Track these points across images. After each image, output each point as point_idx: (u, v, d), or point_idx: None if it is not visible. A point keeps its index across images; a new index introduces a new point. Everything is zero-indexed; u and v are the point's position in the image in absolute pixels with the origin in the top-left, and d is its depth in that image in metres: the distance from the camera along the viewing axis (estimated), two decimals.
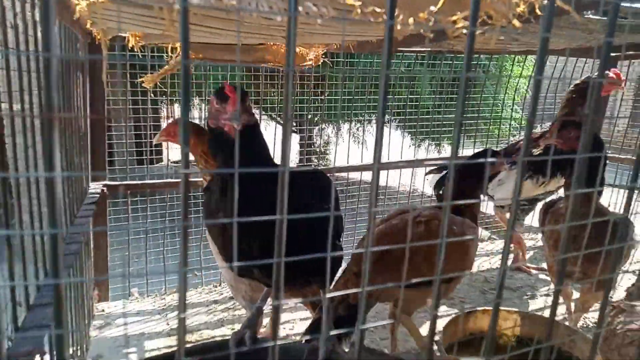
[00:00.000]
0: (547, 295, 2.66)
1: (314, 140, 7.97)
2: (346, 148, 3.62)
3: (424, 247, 1.51)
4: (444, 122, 5.00)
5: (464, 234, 1.72)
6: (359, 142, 8.06)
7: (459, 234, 1.70)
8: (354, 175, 4.99)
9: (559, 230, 1.99)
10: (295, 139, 8.41)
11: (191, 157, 2.07)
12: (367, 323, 2.12)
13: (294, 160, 8.49)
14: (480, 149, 2.28)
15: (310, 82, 3.77)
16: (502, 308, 2.11)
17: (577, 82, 2.64)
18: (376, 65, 5.17)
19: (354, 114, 5.54)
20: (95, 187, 2.26)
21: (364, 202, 3.64)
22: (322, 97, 6.29)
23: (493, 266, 3.09)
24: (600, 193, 1.95)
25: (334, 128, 8.30)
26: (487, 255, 3.23)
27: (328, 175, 1.47)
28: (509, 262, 3.12)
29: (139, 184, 2.64)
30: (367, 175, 4.09)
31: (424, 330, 2.31)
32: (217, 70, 4.13)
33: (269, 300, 1.08)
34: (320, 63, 2.59)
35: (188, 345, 1.58)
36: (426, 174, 3.19)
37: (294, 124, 7.69)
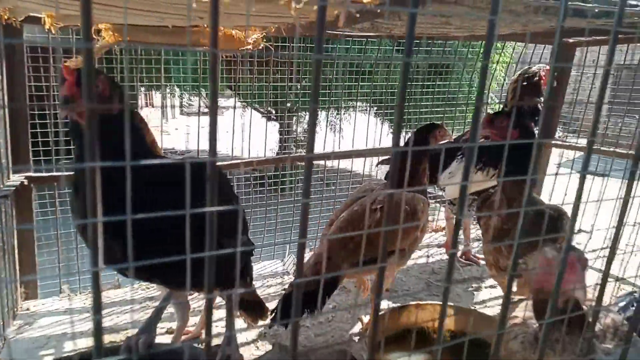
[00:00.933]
0: (492, 287, 2.62)
1: (293, 128, 7.86)
2: (324, 136, 3.56)
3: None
4: (421, 110, 4.96)
5: (415, 207, 1.98)
6: (334, 130, 7.97)
7: (411, 209, 1.96)
8: (332, 164, 4.94)
9: (493, 225, 1.92)
10: (274, 127, 8.29)
11: None
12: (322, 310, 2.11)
13: (273, 148, 8.40)
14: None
15: (285, 68, 3.68)
16: (436, 302, 2.05)
17: (521, 71, 2.59)
18: (356, 52, 5.07)
19: (331, 102, 5.45)
20: (15, 180, 2.14)
21: (343, 190, 3.60)
22: (300, 85, 6.18)
23: (443, 257, 3.04)
24: (534, 184, 1.88)
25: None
26: (438, 247, 3.17)
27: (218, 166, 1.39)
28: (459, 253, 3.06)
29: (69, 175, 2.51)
30: (343, 164, 4.05)
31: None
32: (195, 55, 4.01)
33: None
34: (261, 47, 2.47)
35: (80, 351, 1.50)
36: (377, 164, 3.12)
37: (273, 112, 7.58)
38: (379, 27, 2.23)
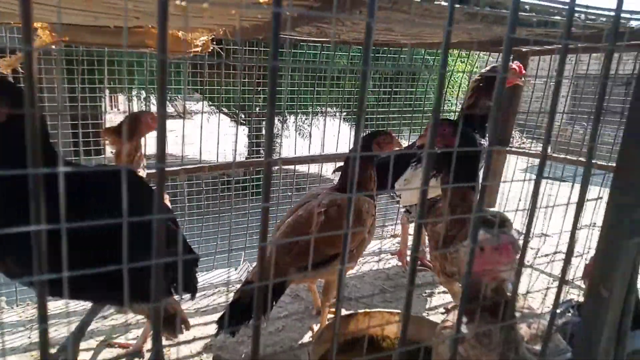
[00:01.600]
0: (445, 292, 2.61)
1: (262, 132, 7.78)
2: (294, 141, 3.53)
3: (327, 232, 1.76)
4: (389, 115, 4.99)
5: (360, 208, 1.98)
6: (303, 135, 7.94)
7: (356, 211, 1.92)
8: (302, 169, 4.91)
9: (438, 232, 1.91)
10: (243, 131, 8.18)
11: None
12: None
13: (242, 153, 8.30)
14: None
15: (253, 72, 3.63)
16: (385, 310, 2.03)
17: (483, 70, 2.59)
18: (325, 57, 5.06)
19: (300, 107, 5.41)
20: None
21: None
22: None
23: (399, 263, 3.02)
24: (479, 190, 1.89)
25: (279, 121, 8.13)
26: (392, 254, 3.16)
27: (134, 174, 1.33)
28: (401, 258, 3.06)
29: None
30: (313, 168, 4.01)
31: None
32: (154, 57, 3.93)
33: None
34: (210, 50, 2.41)
35: None
36: (334, 171, 3.09)
37: (242, 116, 7.48)
38: (327, 33, 2.20)
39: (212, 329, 2.24)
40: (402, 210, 2.98)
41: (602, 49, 2.54)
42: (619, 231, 0.78)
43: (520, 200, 3.20)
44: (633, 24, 2.01)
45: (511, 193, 3.37)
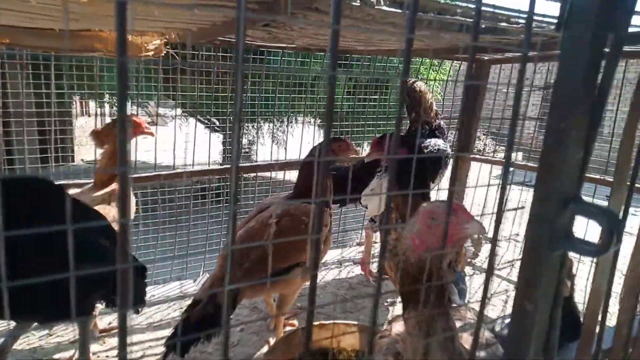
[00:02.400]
0: None
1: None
2: (269, 148, 3.48)
3: (278, 245, 1.72)
4: (360, 123, 4.99)
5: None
6: (277, 142, 7.86)
7: (309, 220, 1.87)
8: (277, 175, 4.85)
9: (390, 242, 1.87)
10: (218, 138, 8.07)
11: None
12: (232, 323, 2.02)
13: (217, 160, 8.17)
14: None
15: (227, 78, 3.58)
16: (341, 322, 1.98)
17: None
18: (299, 64, 5.05)
19: (274, 113, 5.35)
20: None
21: None
22: (245, 95, 6.03)
23: (362, 273, 2.98)
24: (424, 198, 1.87)
25: (253, 127, 8.07)
26: (354, 263, 3.11)
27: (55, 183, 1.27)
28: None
29: None
30: (289, 175, 3.94)
31: None
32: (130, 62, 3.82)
33: None
34: (163, 54, 2.34)
35: None
36: None
37: (215, 123, 7.38)
38: (280, 38, 2.16)
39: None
40: (367, 220, 2.94)
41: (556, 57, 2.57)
42: (541, 243, 0.75)
43: (484, 206, 3.20)
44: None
45: (480, 199, 3.39)
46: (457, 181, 3.35)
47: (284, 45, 2.55)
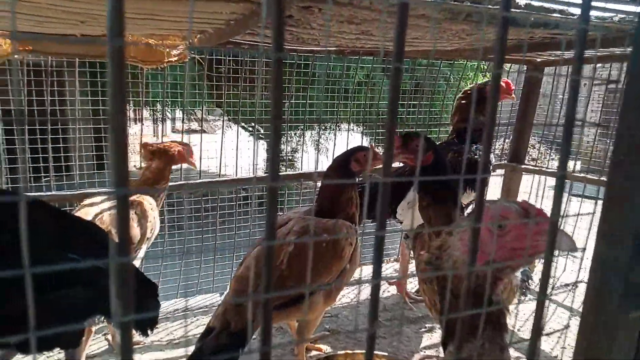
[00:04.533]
0: None
1: (282, 147, 7.65)
2: (314, 155, 3.40)
3: (296, 266, 1.60)
4: (406, 129, 4.80)
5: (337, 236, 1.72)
6: (319, 150, 7.72)
7: (331, 238, 1.68)
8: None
9: (423, 261, 1.65)
10: (262, 145, 8.09)
11: None
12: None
13: (261, 167, 8.17)
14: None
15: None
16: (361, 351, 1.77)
17: (467, 88, 2.41)
18: (339, 69, 4.93)
19: (317, 121, 5.24)
20: None
21: None
22: (288, 103, 5.99)
23: (398, 294, 2.74)
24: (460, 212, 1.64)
25: (296, 135, 8.00)
26: (389, 284, 2.86)
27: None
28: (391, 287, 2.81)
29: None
30: None
31: None
32: (174, 69, 3.89)
33: None
34: (187, 60, 2.26)
35: None
36: None
37: (260, 130, 7.40)
38: (304, 39, 1.99)
39: None
40: (402, 237, 2.71)
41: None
42: (610, 300, 0.53)
43: None
44: None
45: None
46: (507, 194, 3.05)
47: (312, 48, 2.39)
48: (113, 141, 0.39)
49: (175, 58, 2.21)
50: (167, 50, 2.17)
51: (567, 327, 2.40)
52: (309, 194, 4.31)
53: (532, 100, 2.88)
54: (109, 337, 2.17)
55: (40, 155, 2.51)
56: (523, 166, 3.02)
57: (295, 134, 7.65)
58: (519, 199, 3.11)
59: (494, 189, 3.40)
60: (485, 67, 5.76)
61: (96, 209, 1.94)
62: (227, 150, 2.59)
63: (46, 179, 2.51)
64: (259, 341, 0.46)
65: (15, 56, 1.97)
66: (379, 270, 0.50)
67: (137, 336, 2.18)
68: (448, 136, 2.61)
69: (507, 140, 3.42)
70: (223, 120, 3.12)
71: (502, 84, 2.32)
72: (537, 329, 0.56)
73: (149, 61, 2.18)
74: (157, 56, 2.19)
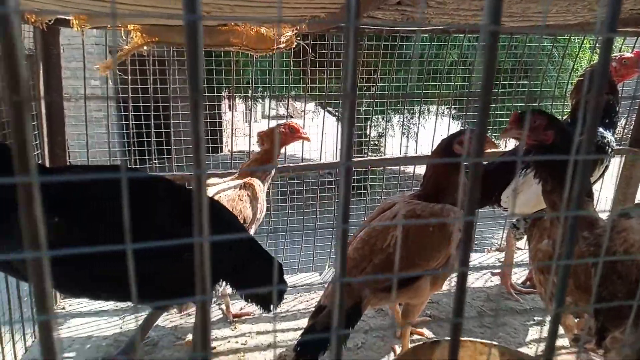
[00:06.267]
0: None
1: (366, 131, 7.68)
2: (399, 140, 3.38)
3: (404, 250, 1.63)
4: (502, 112, 4.57)
5: (444, 219, 1.69)
6: (407, 135, 7.53)
7: (439, 224, 1.67)
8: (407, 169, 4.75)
9: (543, 250, 1.56)
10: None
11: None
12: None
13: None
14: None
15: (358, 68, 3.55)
16: (476, 340, 1.73)
17: (588, 66, 2.18)
18: (435, 49, 4.74)
19: (405, 104, 5.15)
20: None
21: None
22: (374, 86, 5.93)
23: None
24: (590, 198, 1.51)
25: (383, 119, 7.89)
26: (492, 274, 2.74)
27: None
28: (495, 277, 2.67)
29: None
30: (419, 169, 3.79)
31: None
32: (264, 57, 4.07)
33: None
34: (294, 46, 2.31)
35: None
36: None
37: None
38: (415, 18, 1.93)
39: (289, 336, 2.15)
40: (509, 226, 2.57)
41: None
42: None
43: None
44: None
45: None
46: (627, 182, 2.78)
47: (416, 28, 2.32)
48: (193, 122, 0.39)
49: (284, 45, 2.27)
50: (277, 37, 2.24)
51: None
52: (392, 179, 4.26)
53: None
54: (223, 307, 2.34)
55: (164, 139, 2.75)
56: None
57: (382, 117, 7.55)
58: None
59: (609, 179, 3.11)
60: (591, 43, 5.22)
61: (213, 190, 2.08)
62: (312, 135, 2.63)
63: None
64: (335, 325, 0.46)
65: (144, 47, 2.14)
66: (466, 258, 0.48)
67: (247, 308, 2.35)
68: (565, 116, 2.42)
69: (630, 119, 3.09)
70: (305, 104, 3.18)
71: (631, 55, 2.06)
72: None
73: (259, 48, 2.27)
74: (267, 43, 2.27)
